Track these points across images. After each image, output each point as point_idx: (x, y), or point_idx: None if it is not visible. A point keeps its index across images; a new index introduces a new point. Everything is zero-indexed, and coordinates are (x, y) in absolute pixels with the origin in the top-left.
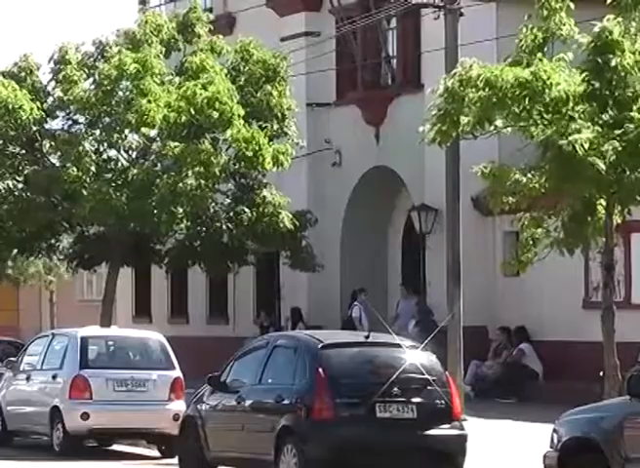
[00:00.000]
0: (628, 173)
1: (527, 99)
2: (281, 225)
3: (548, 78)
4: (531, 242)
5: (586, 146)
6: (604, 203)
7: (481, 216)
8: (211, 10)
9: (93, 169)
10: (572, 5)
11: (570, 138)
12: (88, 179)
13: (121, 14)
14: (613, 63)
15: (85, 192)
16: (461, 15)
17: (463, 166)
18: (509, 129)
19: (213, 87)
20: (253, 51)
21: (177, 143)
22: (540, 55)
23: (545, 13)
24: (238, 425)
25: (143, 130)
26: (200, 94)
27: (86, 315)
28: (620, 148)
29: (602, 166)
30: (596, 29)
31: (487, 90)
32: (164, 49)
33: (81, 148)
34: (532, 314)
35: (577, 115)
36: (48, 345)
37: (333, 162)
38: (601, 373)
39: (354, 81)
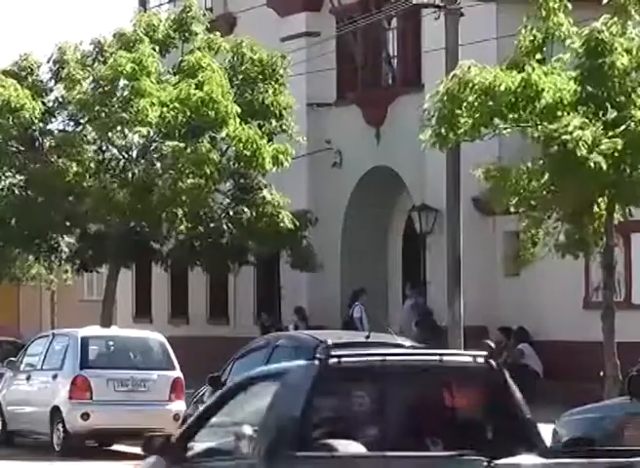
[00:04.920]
0: (629, 171)
1: (520, 106)
2: (281, 225)
3: (538, 84)
4: (531, 243)
5: (589, 142)
6: (605, 201)
7: (481, 216)
8: (211, 10)
9: (92, 165)
10: (569, 5)
11: (574, 135)
12: (89, 176)
13: (121, 13)
14: (606, 65)
15: (86, 185)
16: (462, 15)
17: (464, 166)
18: (508, 130)
19: (207, 86)
20: (245, 51)
21: (175, 143)
22: (538, 56)
23: (544, 13)
24: None
25: (139, 128)
26: (194, 94)
27: (86, 315)
28: (620, 146)
29: (603, 164)
30: (586, 32)
31: (482, 96)
32: (158, 48)
33: (80, 148)
34: (532, 314)
35: (572, 121)
36: (48, 345)
37: (333, 162)
38: (601, 373)
39: (354, 81)
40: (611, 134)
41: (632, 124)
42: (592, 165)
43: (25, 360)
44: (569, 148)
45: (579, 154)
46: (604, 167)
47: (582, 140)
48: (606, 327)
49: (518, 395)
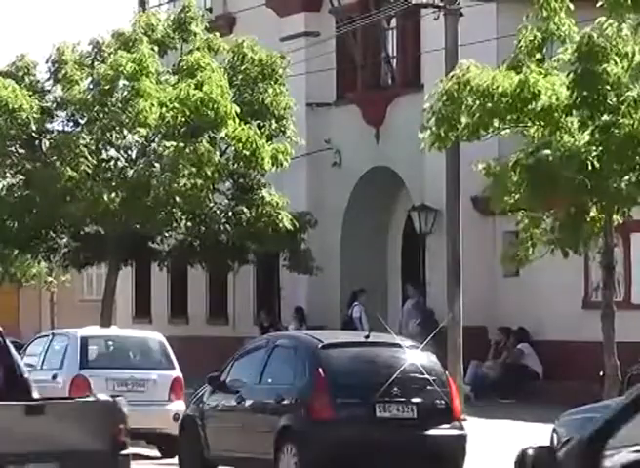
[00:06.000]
0: (612, 180)
1: (518, 108)
2: (280, 226)
3: (534, 86)
4: (529, 241)
5: (554, 161)
6: (601, 205)
7: (481, 216)
8: (210, 10)
9: (88, 170)
10: (571, 6)
11: (537, 155)
12: (82, 180)
13: (119, 13)
14: (599, 71)
15: (79, 194)
16: (461, 15)
17: (463, 165)
18: (507, 131)
19: (206, 86)
20: (246, 51)
21: (173, 143)
22: (538, 56)
23: (545, 13)
24: (238, 425)
25: (139, 129)
26: (193, 94)
27: (86, 315)
28: (602, 155)
29: (576, 177)
30: (579, 37)
31: (481, 98)
32: (157, 48)
33: (78, 150)
34: (532, 314)
35: (568, 122)
36: (48, 345)
37: (333, 162)
38: (601, 373)
39: (354, 81)
40: (598, 141)
41: (617, 131)
42: (568, 179)
43: (25, 360)
44: (535, 169)
45: (547, 172)
46: (570, 178)
47: (546, 160)
48: (605, 327)
49: (17, 359)
